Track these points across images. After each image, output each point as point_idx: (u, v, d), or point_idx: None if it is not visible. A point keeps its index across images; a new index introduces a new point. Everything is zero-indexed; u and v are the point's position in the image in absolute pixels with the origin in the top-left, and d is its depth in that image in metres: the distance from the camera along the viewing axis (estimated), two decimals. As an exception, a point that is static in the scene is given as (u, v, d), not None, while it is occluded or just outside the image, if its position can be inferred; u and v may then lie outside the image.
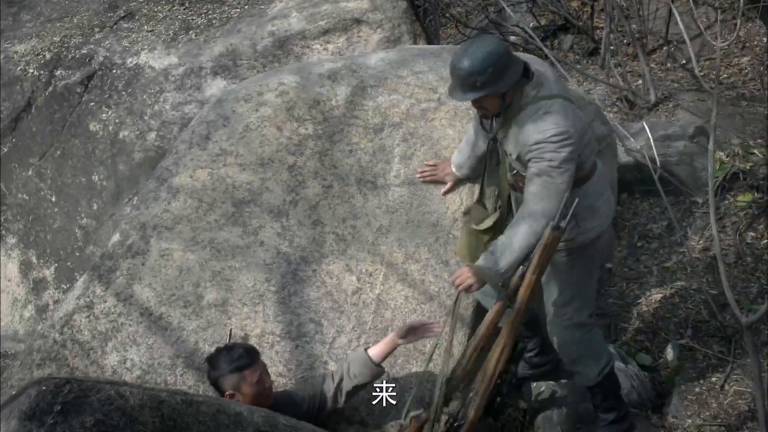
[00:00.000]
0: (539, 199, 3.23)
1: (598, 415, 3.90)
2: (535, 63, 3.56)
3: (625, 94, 7.24)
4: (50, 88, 6.16)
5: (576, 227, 3.47)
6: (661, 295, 5.08)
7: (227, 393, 3.34)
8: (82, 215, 5.96)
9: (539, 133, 3.22)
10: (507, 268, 3.24)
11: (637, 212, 5.88)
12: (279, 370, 3.71)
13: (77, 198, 5.97)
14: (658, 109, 7.03)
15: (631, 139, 5.84)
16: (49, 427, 2.41)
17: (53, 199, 6.07)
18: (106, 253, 4.08)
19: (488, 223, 3.66)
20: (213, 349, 3.67)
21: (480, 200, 3.76)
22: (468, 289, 3.31)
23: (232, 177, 4.13)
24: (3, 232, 6.26)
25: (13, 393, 2.62)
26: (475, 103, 3.38)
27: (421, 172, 4.05)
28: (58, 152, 6.06)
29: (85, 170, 5.94)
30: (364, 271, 3.92)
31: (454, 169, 3.96)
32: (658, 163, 4.83)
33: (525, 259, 3.24)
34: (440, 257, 3.96)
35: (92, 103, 6.00)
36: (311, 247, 3.97)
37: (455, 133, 4.17)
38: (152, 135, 5.72)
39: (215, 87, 5.76)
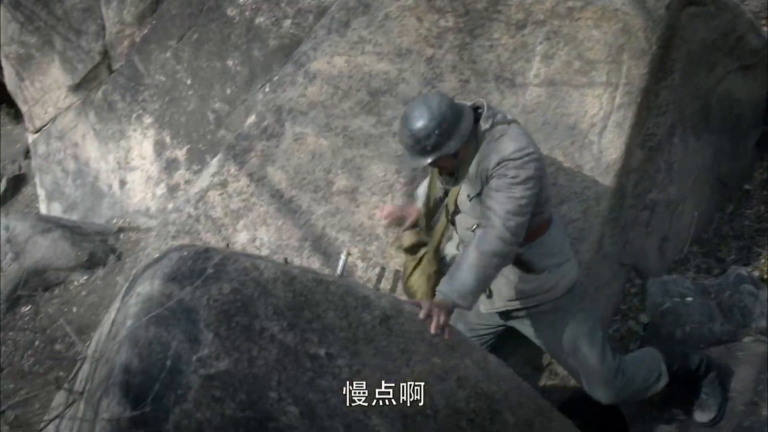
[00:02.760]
0: (497, 216, 2.97)
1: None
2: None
3: (781, 6, 6.76)
4: (191, -29, 6.22)
5: (550, 275, 3.23)
6: (801, 221, 4.84)
7: None
8: (216, 99, 6.07)
9: (499, 153, 2.99)
10: (465, 288, 2.92)
11: (784, 133, 5.56)
12: (405, 261, 3.73)
13: (212, 82, 6.07)
14: (817, 22, 6.55)
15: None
16: (189, 290, 2.50)
17: (188, 82, 6.19)
18: (241, 133, 4.14)
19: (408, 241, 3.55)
20: (338, 236, 3.74)
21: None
22: (443, 326, 2.85)
23: (369, 65, 4.09)
24: (140, 111, 6.46)
25: (156, 256, 2.72)
26: (431, 164, 3.15)
27: (382, 215, 3.78)
28: (196, 36, 6.15)
29: (220, 55, 6.02)
30: (495, 169, 3.85)
31: (419, 203, 3.67)
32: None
33: (487, 277, 2.98)
34: (574, 161, 3.84)
35: (230, -12, 6.03)
36: (443, 142, 3.92)
37: (600, 34, 3.97)
38: (287, 22, 5.71)
39: (354, -24, 5.69)
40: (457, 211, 3.28)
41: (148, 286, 2.53)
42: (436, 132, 3.02)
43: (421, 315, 2.83)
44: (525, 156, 2.99)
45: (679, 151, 4.46)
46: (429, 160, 3.09)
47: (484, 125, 3.10)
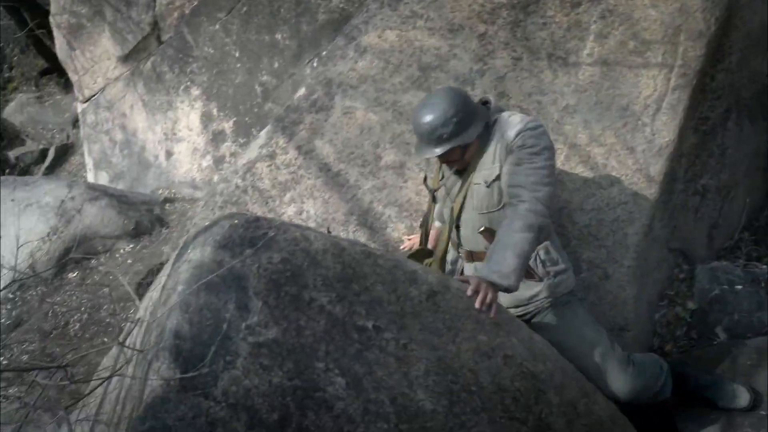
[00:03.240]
0: (525, 190, 2.98)
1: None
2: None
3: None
4: (241, -57, 6.21)
5: (550, 283, 3.21)
6: None
7: None
8: (263, 72, 6.07)
9: (513, 128, 3.04)
10: (504, 267, 2.88)
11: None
12: (450, 238, 3.71)
13: (260, 55, 6.08)
14: None
15: None
16: (239, 258, 2.51)
17: (237, 55, 6.21)
18: (291, 105, 4.14)
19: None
20: (385, 211, 3.72)
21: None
22: (491, 305, 2.84)
23: (421, 41, 4.06)
24: (188, 83, 6.49)
25: (206, 224, 2.74)
26: (442, 157, 3.14)
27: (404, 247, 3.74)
28: (245, 8, 6.15)
29: (269, 28, 6.01)
30: (545, 149, 3.81)
31: (438, 224, 3.60)
32: None
33: (524, 252, 2.92)
34: (626, 143, 3.79)
35: (282, -40, 6.01)
36: (493, 120, 3.88)
37: (657, 14, 3.90)
38: (338, -3, 5.69)
39: (405, -49, 5.64)
40: (461, 212, 3.24)
41: (199, 253, 2.55)
42: (454, 120, 3.03)
43: (469, 291, 2.82)
44: (539, 126, 3.05)
45: (732, 136, 4.37)
46: (445, 149, 3.08)
47: (493, 117, 3.14)
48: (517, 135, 3.02)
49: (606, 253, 3.70)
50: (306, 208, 3.87)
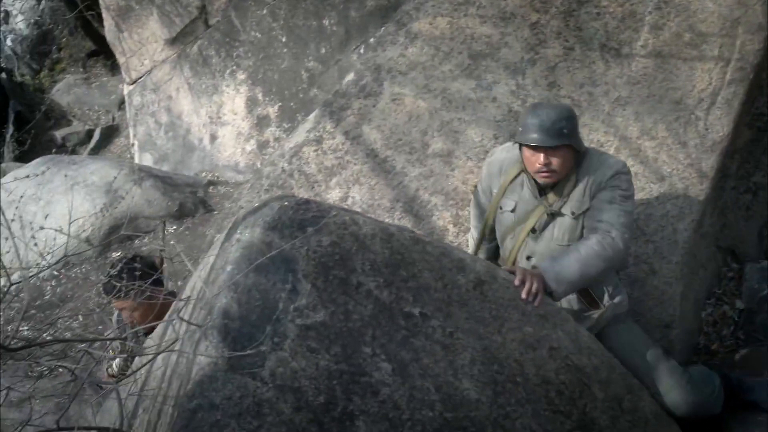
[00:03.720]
0: (614, 229, 2.97)
1: None
2: None
3: None
4: (287, -73, 6.21)
5: (607, 308, 3.16)
6: None
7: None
8: (310, 58, 6.08)
9: (611, 167, 3.04)
10: (564, 274, 2.90)
11: None
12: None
13: (306, 40, 6.08)
14: None
15: None
16: (288, 239, 2.51)
17: (283, 40, 6.21)
18: (339, 90, 4.14)
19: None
20: (431, 198, 3.71)
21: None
22: (536, 295, 2.84)
23: (472, 28, 4.02)
24: (234, 67, 6.51)
25: (256, 205, 2.74)
26: (553, 154, 2.99)
27: None
28: (293, -7, 6.16)
29: (317, 13, 6.01)
30: (595, 141, 3.76)
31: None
32: None
33: (587, 276, 2.95)
34: (678, 137, 3.73)
35: (328, -55, 6.00)
36: (543, 110, 3.84)
37: (715, 6, 3.83)
38: (386, -17, 5.67)
39: (455, -62, 5.59)
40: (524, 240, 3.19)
41: (248, 234, 2.55)
42: (574, 121, 3.03)
43: (516, 281, 2.81)
44: (630, 172, 3.08)
45: (788, 133, 4.29)
46: (561, 143, 2.97)
47: (582, 147, 3.11)
48: (613, 175, 3.02)
49: (653, 248, 3.64)
50: (352, 194, 3.86)
